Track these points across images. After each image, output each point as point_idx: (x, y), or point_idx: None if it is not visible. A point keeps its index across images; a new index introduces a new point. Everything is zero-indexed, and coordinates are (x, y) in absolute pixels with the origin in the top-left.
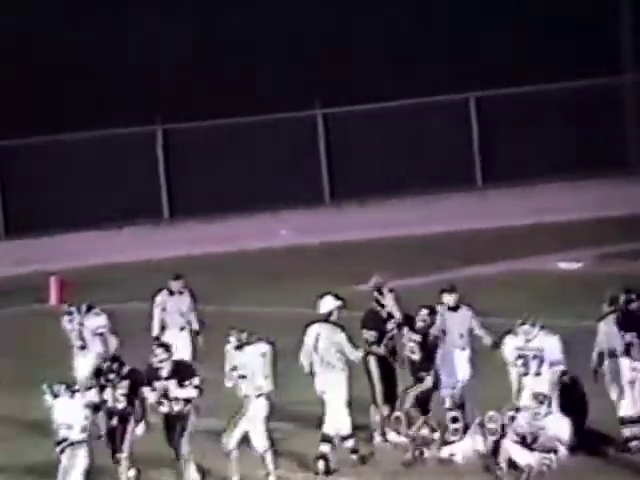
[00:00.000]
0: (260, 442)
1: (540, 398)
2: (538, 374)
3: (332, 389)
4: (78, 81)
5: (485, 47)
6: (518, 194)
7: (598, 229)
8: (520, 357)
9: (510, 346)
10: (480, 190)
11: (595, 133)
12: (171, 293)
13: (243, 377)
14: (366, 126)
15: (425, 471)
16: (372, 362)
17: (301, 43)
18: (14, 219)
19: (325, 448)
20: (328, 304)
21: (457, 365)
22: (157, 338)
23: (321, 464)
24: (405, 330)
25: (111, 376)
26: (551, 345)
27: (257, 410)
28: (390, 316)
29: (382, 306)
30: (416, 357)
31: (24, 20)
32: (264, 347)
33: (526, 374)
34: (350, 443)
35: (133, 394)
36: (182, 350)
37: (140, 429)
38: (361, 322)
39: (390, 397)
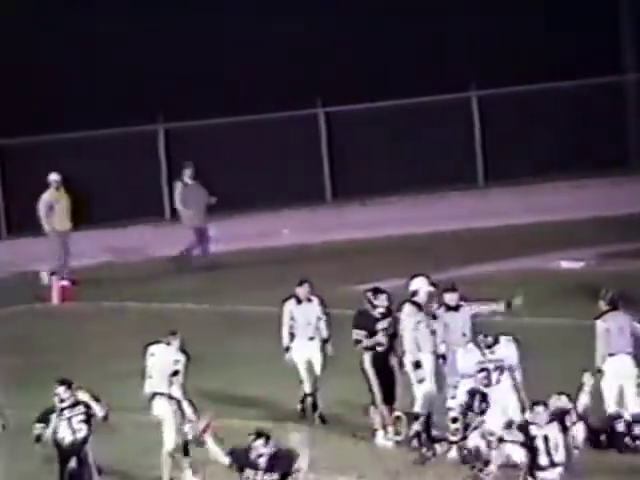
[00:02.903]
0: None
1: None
2: (498, 382)
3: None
4: (79, 80)
5: (486, 46)
6: (520, 193)
7: (600, 228)
8: (482, 370)
9: (469, 360)
10: (482, 189)
11: (597, 132)
12: (298, 301)
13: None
14: (368, 125)
15: (426, 471)
16: (367, 361)
17: (302, 41)
18: (16, 218)
19: (418, 427)
20: (416, 283)
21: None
22: (287, 349)
23: (415, 442)
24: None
25: (64, 404)
26: (510, 353)
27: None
28: (385, 316)
29: (374, 307)
30: None
31: (24, 19)
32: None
33: (487, 385)
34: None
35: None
36: (313, 360)
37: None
38: (353, 322)
39: (389, 396)
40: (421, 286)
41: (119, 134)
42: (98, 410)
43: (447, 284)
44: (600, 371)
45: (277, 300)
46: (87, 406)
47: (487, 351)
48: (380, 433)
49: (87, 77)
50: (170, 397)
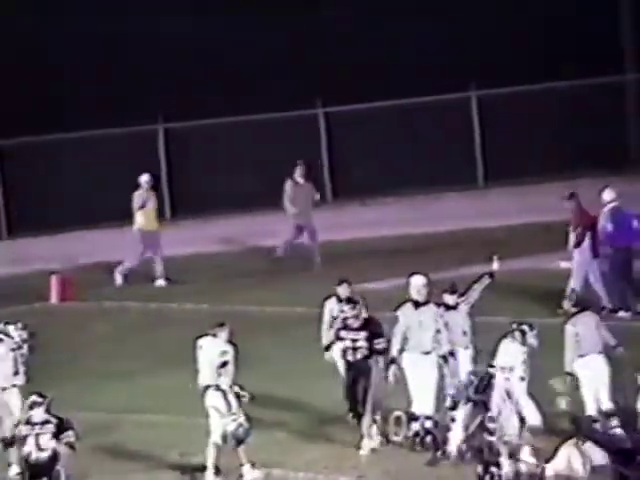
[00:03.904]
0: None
1: None
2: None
3: (422, 369)
4: (80, 80)
5: (486, 46)
6: (520, 193)
7: None
8: (523, 362)
9: (515, 351)
10: (481, 189)
11: (597, 132)
12: (340, 300)
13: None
14: (368, 125)
15: (426, 471)
16: (340, 366)
17: (302, 41)
18: (16, 218)
19: (415, 426)
20: (413, 281)
21: (460, 364)
22: (327, 347)
23: (416, 441)
24: None
25: (36, 419)
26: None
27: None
28: (360, 328)
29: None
30: None
31: (24, 19)
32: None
33: (524, 379)
34: (429, 424)
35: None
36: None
37: None
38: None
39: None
40: (413, 284)
41: (119, 134)
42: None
43: (447, 284)
44: (571, 375)
45: (277, 300)
46: (58, 426)
47: (531, 333)
48: (365, 442)
49: (87, 77)
50: (219, 389)
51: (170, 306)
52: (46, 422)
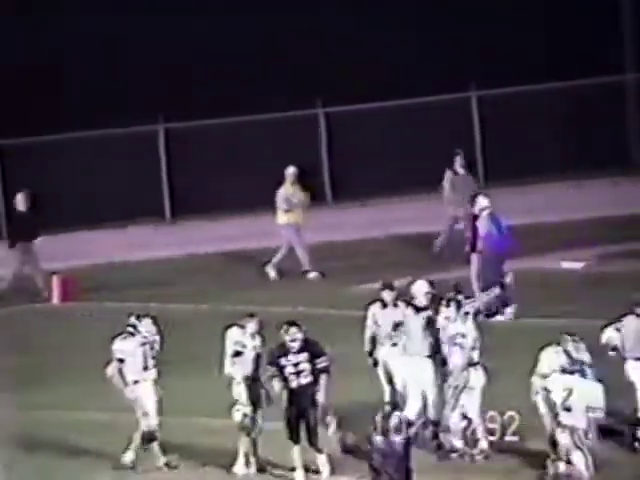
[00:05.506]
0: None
1: None
2: None
3: (413, 374)
4: (79, 80)
5: (486, 46)
6: (520, 193)
7: (601, 228)
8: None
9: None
10: (481, 189)
11: (597, 132)
12: (384, 305)
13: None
14: (368, 125)
15: (425, 471)
16: (284, 397)
17: (302, 41)
18: None
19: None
20: (415, 288)
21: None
22: (370, 353)
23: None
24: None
25: None
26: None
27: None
28: (303, 349)
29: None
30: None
31: (24, 19)
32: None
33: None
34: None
35: None
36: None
37: None
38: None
39: (297, 436)
40: (419, 290)
41: (119, 134)
42: None
43: (450, 285)
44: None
45: (278, 300)
46: None
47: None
48: (298, 472)
49: (87, 77)
50: (234, 378)
51: (170, 306)
52: None
